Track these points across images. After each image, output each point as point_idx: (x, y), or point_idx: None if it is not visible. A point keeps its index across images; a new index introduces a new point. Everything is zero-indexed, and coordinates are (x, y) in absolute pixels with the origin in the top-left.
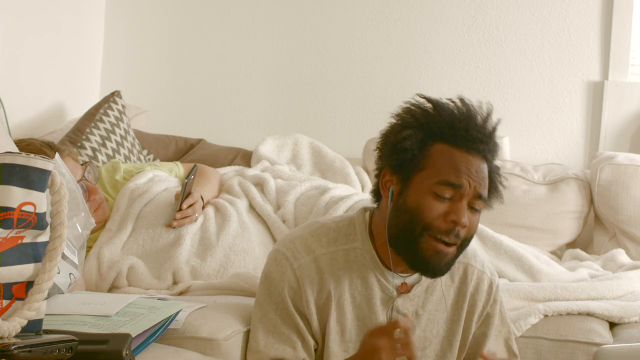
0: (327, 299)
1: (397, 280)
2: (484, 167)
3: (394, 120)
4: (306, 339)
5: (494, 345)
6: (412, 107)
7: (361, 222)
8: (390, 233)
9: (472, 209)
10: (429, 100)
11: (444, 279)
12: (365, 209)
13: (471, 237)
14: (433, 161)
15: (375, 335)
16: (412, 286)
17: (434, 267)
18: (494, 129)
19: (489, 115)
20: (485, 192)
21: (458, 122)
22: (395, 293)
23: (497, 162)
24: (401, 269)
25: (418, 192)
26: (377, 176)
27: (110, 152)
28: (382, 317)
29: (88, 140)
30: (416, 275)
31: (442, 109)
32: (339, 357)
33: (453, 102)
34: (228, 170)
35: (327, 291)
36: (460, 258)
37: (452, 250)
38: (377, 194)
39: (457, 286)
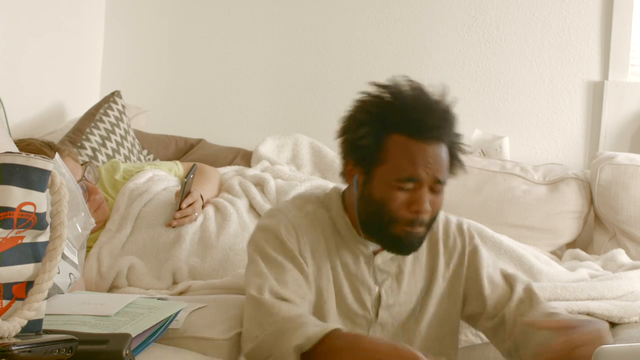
0: (321, 252)
1: (372, 247)
2: (442, 151)
3: (350, 114)
4: (305, 273)
5: (491, 276)
6: (367, 99)
7: (336, 197)
8: (361, 219)
9: (433, 191)
10: (383, 86)
11: None
12: (337, 188)
13: (437, 215)
14: (391, 155)
15: None
16: None
17: (406, 247)
18: (448, 110)
19: (442, 96)
20: (444, 176)
21: (412, 112)
22: (371, 251)
23: (456, 131)
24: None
25: (381, 186)
26: (342, 161)
27: (110, 152)
28: (367, 276)
29: (88, 140)
30: None
31: (395, 98)
32: (335, 313)
33: (407, 84)
34: (228, 170)
35: (320, 244)
36: None
37: (421, 229)
38: (344, 177)
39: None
